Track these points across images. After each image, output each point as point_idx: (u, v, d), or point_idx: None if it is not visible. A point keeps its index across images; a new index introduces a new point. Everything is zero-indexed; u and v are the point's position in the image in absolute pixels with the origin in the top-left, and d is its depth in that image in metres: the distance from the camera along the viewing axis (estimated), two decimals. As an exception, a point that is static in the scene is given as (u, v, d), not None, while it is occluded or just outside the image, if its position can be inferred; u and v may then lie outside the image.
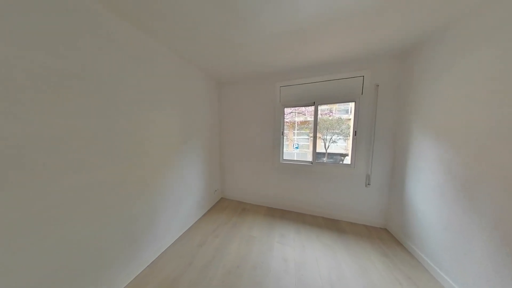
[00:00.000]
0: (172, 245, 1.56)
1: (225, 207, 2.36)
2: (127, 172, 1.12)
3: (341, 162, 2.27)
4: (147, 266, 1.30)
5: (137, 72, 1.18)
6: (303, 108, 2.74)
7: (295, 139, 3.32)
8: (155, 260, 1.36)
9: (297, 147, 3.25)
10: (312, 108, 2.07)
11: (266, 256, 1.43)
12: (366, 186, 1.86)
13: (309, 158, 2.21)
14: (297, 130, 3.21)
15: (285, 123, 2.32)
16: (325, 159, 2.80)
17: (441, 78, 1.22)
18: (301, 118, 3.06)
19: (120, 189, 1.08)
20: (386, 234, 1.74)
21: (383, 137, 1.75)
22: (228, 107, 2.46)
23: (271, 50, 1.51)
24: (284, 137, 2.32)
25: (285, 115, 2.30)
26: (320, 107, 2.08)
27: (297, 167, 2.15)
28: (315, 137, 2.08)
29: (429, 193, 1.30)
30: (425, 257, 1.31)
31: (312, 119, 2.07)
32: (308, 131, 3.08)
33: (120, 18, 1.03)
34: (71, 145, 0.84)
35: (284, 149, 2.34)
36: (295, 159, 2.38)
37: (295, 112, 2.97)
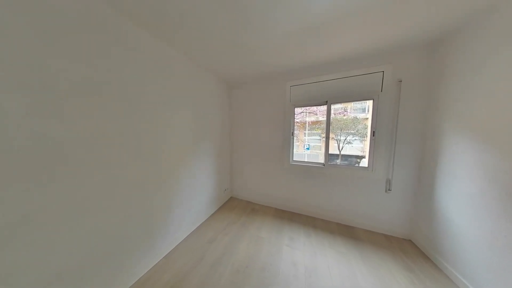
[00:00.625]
0: (185, 240, 1.62)
1: (234, 206, 2.37)
2: (147, 169, 1.20)
3: (356, 165, 2.10)
4: (163, 257, 1.37)
5: (156, 78, 1.27)
6: (314, 108, 2.61)
7: (306, 140, 3.18)
8: (170, 252, 1.43)
9: (308, 148, 3.11)
10: (324, 108, 1.96)
11: (274, 259, 1.39)
12: (386, 191, 1.68)
13: (321, 159, 2.09)
14: (308, 130, 3.07)
15: (295, 123, 2.24)
16: (338, 161, 2.61)
17: (484, 69, 1.03)
18: (313, 118, 2.92)
19: (141, 184, 1.17)
20: (410, 246, 1.55)
21: (407, 138, 1.56)
22: (238, 109, 2.47)
23: (282, 49, 1.46)
24: (294, 138, 2.25)
25: (295, 115, 2.22)
26: (333, 106, 1.96)
27: (308, 169, 2.06)
28: (327, 138, 1.96)
29: (466, 202, 1.11)
30: (458, 275, 1.12)
31: (325, 118, 1.96)
32: (320, 132, 2.91)
33: (143, 30, 1.13)
34: (102, 144, 0.93)
35: (294, 150, 2.26)
36: (305, 160, 2.28)
37: (306, 112, 2.85)
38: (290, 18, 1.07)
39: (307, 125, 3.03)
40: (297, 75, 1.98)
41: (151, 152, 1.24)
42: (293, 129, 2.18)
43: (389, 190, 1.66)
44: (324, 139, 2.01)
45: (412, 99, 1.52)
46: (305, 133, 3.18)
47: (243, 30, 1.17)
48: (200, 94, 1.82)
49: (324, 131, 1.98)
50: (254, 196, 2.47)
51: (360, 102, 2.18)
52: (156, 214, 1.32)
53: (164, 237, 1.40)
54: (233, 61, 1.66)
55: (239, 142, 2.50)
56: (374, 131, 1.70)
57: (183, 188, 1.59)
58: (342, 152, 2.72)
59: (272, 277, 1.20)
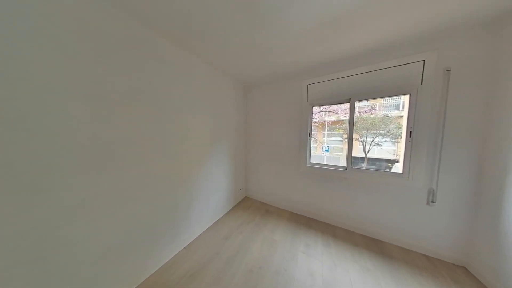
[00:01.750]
0: (202, 234, 1.70)
1: (249, 206, 2.37)
2: (171, 166, 1.31)
3: (387, 170, 1.81)
4: (184, 247, 1.47)
5: (180, 84, 1.38)
6: (335, 106, 2.38)
7: (325, 141, 2.93)
8: (190, 244, 1.52)
9: (327, 150, 2.85)
10: (346, 106, 1.76)
11: (289, 264, 1.31)
12: (428, 203, 1.38)
13: (343, 162, 1.88)
14: (328, 130, 2.82)
15: (312, 124, 2.09)
16: (364, 165, 2.31)
17: None
18: (333, 118, 2.67)
19: (167, 179, 1.28)
20: (463, 273, 1.22)
21: (459, 139, 1.24)
22: (254, 109, 2.47)
23: (299, 47, 1.39)
24: (312, 139, 2.10)
25: (313, 114, 2.07)
26: (357, 104, 1.74)
27: (326, 172, 1.88)
28: (350, 139, 1.75)
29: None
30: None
31: (347, 118, 1.76)
32: (341, 132, 2.64)
33: (169, 42, 1.24)
34: (137, 144, 1.06)
35: (312, 151, 2.11)
36: (324, 163, 2.10)
37: (325, 111, 2.63)
38: (308, 13, 0.99)
39: (326, 125, 2.79)
40: (315, 73, 1.85)
41: (175, 151, 1.35)
42: (311, 130, 2.04)
43: (432, 202, 1.36)
44: (346, 140, 1.80)
45: (466, 91, 1.20)
46: (323, 134, 2.93)
47: (260, 31, 1.15)
48: (217, 97, 1.90)
49: (347, 131, 1.78)
50: (268, 197, 2.42)
51: (392, 98, 1.88)
52: (179, 208, 1.42)
53: (185, 229, 1.50)
54: (249, 63, 1.67)
55: (254, 143, 2.49)
56: (411, 131, 1.42)
57: (201, 185, 1.68)
58: (369, 155, 2.38)
59: (287, 283, 1.13)
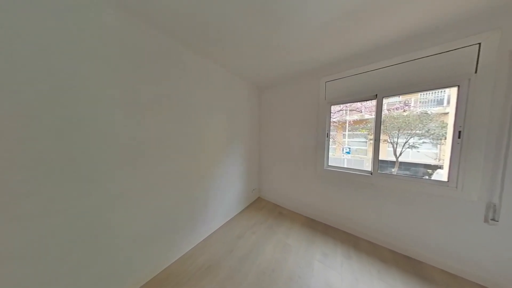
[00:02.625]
0: (217, 230, 1.76)
1: (262, 207, 2.34)
2: (191, 164, 1.40)
3: (426, 177, 1.52)
4: (201, 241, 1.55)
5: (199, 88, 1.46)
6: (358, 104, 2.14)
7: (346, 142, 2.65)
8: (206, 238, 1.59)
9: (348, 152, 2.57)
10: (372, 103, 1.56)
11: (304, 272, 1.23)
12: (487, 221, 1.09)
13: (368, 166, 1.67)
14: (349, 131, 2.55)
15: (331, 123, 1.93)
16: (394, 170, 2.00)
17: None
18: (355, 117, 2.40)
19: (187, 176, 1.37)
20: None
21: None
22: (268, 110, 2.44)
23: (316, 43, 1.30)
24: (330, 140, 1.94)
25: (331, 114, 1.92)
26: (386, 101, 1.52)
27: (348, 177, 1.70)
28: (377, 140, 1.54)
29: None
30: None
31: (372, 116, 1.56)
32: (366, 132, 2.36)
33: (190, 51, 1.33)
34: (162, 143, 1.17)
35: (330, 153, 1.95)
36: (345, 166, 1.91)
37: (346, 110, 2.39)
38: (326, 6, 0.92)
39: (347, 125, 2.52)
40: (334, 69, 1.71)
41: (193, 150, 1.43)
42: (329, 130, 1.88)
43: (493, 220, 1.07)
44: (371, 141, 1.60)
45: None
46: (344, 135, 2.66)
47: (275, 31, 1.12)
48: (232, 99, 1.94)
49: (372, 131, 1.58)
50: (282, 200, 2.35)
51: (433, 91, 1.59)
52: (197, 203, 1.50)
53: (202, 224, 1.58)
54: (264, 64, 1.65)
55: (268, 143, 2.45)
56: (460, 131, 1.16)
57: (217, 183, 1.73)
58: (401, 159, 2.05)
59: (300, 292, 1.07)
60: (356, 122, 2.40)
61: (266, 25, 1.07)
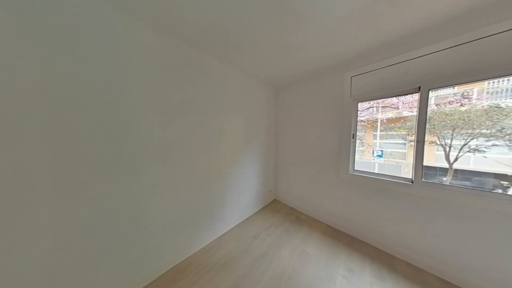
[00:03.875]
0: (233, 228, 1.80)
1: (278, 210, 2.27)
2: (210, 163, 1.48)
3: (499, 191, 1.15)
4: (218, 237, 1.62)
5: (218, 92, 1.54)
6: (394, 99, 1.82)
7: (377, 144, 2.28)
8: (223, 235, 1.64)
9: (380, 155, 2.20)
10: (413, 97, 1.29)
11: (325, 286, 1.12)
12: None
13: (407, 173, 1.39)
14: (381, 131, 2.19)
15: (358, 123, 1.71)
16: (447, 179, 1.60)
17: None
18: (390, 114, 2.04)
19: (207, 175, 1.46)
20: None
21: None
22: (285, 110, 2.35)
23: (339, 36, 1.17)
24: (357, 141, 1.71)
25: (358, 112, 1.69)
26: (433, 94, 1.24)
27: (379, 184, 1.46)
28: (421, 142, 1.26)
29: None
30: None
31: (414, 113, 1.29)
32: (405, 132, 1.97)
33: (210, 57, 1.41)
34: (186, 144, 1.27)
35: (356, 156, 1.72)
36: (375, 171, 1.65)
37: (377, 107, 2.07)
38: None
39: (379, 124, 2.17)
40: (361, 62, 1.50)
41: (213, 150, 1.51)
42: (355, 130, 1.67)
43: None
44: (412, 143, 1.32)
45: None
46: (374, 135, 2.29)
47: (294, 29, 1.06)
48: (249, 101, 1.95)
49: (413, 131, 1.30)
50: (299, 204, 2.21)
51: (508, 78, 1.19)
52: (215, 200, 1.57)
53: (220, 220, 1.64)
54: (282, 64, 1.60)
55: (285, 144, 2.37)
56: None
57: (234, 183, 1.77)
58: (458, 166, 1.61)
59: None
60: (390, 120, 2.03)
61: (284, 23, 1.03)
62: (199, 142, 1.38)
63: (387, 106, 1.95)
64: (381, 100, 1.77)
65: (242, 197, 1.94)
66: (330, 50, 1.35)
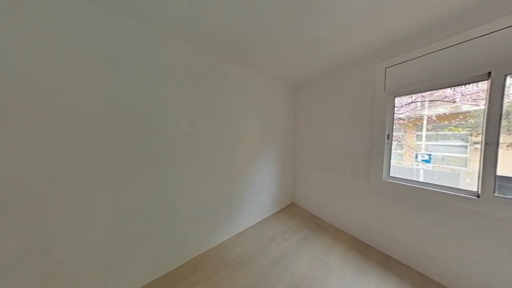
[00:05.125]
0: (249, 228, 1.79)
1: (296, 214, 2.15)
2: (228, 163, 1.54)
3: None
4: (235, 234, 1.66)
5: (237, 95, 1.59)
6: (448, 91, 1.45)
7: (422, 146, 1.84)
8: (240, 233, 1.67)
9: (427, 161, 1.76)
10: (478, 87, 1.00)
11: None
12: None
13: (471, 185, 1.08)
14: (429, 130, 1.76)
15: (395, 121, 1.44)
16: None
17: None
18: (442, 109, 1.62)
19: (225, 173, 1.52)
20: None
21: None
22: (304, 110, 2.22)
23: (369, 24, 1.02)
24: (394, 142, 1.45)
25: (395, 108, 1.44)
26: (514, 79, 0.92)
27: (426, 195, 1.18)
28: (493, 144, 0.96)
29: None
30: None
31: (481, 107, 0.99)
32: (466, 132, 1.52)
33: (230, 63, 1.48)
34: (208, 144, 1.37)
35: (393, 160, 1.45)
36: (420, 179, 1.35)
37: (422, 101, 1.69)
38: None
39: (425, 122, 1.75)
40: (399, 49, 1.26)
41: (231, 151, 1.56)
42: (391, 130, 1.42)
43: None
44: (478, 145, 1.02)
45: None
46: (418, 136, 1.86)
47: (314, 26, 1.00)
48: (267, 102, 1.92)
49: (480, 130, 1.00)
50: (320, 211, 2.03)
51: None
52: (233, 199, 1.62)
53: (237, 219, 1.68)
54: (301, 62, 1.52)
55: (304, 146, 2.23)
56: None
57: (251, 183, 1.78)
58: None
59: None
60: (443, 117, 1.61)
61: (304, 19, 0.97)
62: (218, 143, 1.45)
63: (437, 100, 1.56)
64: (428, 92, 1.44)
65: (258, 197, 1.93)
66: (358, 40, 1.20)
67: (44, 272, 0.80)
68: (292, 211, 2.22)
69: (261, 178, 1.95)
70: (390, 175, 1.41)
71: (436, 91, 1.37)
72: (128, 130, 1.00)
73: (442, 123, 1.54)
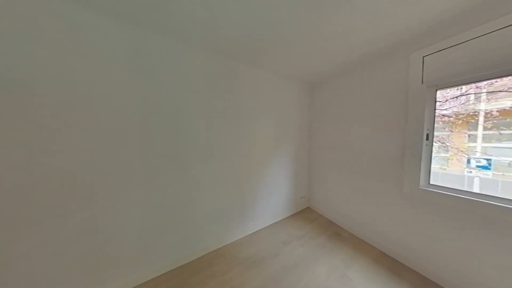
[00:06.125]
0: (262, 229, 1.77)
1: (313, 219, 2.01)
2: (242, 163, 1.58)
3: None
4: (248, 234, 1.68)
5: (250, 96, 1.62)
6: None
7: (477, 149, 1.44)
8: (253, 233, 1.68)
9: (485, 167, 1.37)
10: None
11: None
12: None
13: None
14: (486, 130, 1.38)
15: (437, 118, 1.21)
16: None
17: None
18: (508, 103, 1.26)
19: (239, 174, 1.57)
20: None
21: None
22: (321, 108, 2.07)
23: (400, 9, 0.90)
24: (436, 144, 1.21)
25: (438, 103, 1.20)
26: None
27: (486, 211, 0.93)
28: None
29: None
30: None
31: None
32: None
33: (244, 65, 1.52)
34: (223, 145, 1.43)
35: (435, 165, 1.21)
36: (475, 190, 1.08)
37: (476, 93, 1.35)
38: None
39: (481, 118, 1.39)
40: (441, 33, 1.06)
41: (245, 152, 1.59)
42: (431, 129, 1.19)
43: None
44: None
45: None
46: (471, 136, 1.47)
47: (332, 16, 0.93)
48: (281, 102, 1.86)
49: None
50: (339, 218, 1.85)
51: None
52: (246, 199, 1.65)
53: (250, 219, 1.69)
54: (318, 58, 1.43)
55: (321, 147, 2.08)
56: None
57: (264, 184, 1.78)
58: None
59: None
60: (509, 112, 1.26)
61: (320, 14, 0.92)
62: (232, 143, 1.49)
63: (499, 91, 1.23)
64: (485, 82, 1.15)
65: (272, 199, 1.90)
66: (387, 29, 1.06)
67: (95, 249, 0.98)
68: (308, 215, 2.09)
69: (275, 179, 1.92)
70: (431, 182, 1.18)
71: (498, 79, 1.08)
72: (155, 133, 1.14)
73: (507, 119, 1.19)
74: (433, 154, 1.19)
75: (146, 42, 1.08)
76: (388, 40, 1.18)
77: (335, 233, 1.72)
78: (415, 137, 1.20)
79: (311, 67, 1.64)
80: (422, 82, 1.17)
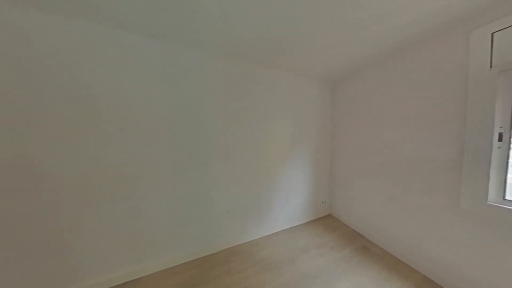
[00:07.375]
0: (279, 233, 1.71)
1: (335, 228, 1.81)
2: (258, 164, 1.58)
3: None
4: (264, 236, 1.65)
5: (267, 97, 1.60)
6: None
7: None
8: (268, 236, 1.65)
9: None
10: None
11: None
12: None
13: None
14: None
15: (519, 113, 0.90)
16: None
17: None
18: None
19: (255, 175, 1.57)
20: None
21: None
22: (346, 106, 1.85)
23: None
24: (515, 147, 0.90)
25: (519, 92, 0.89)
26: None
27: None
28: None
29: None
30: None
31: None
32: None
33: (262, 67, 1.54)
34: (240, 146, 1.47)
35: (510, 174, 0.91)
36: None
37: None
38: None
39: None
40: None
41: (262, 153, 1.58)
42: (506, 127, 0.90)
43: None
44: None
45: None
46: None
47: (351, 4, 0.84)
48: (299, 102, 1.77)
49: None
50: (368, 230, 1.60)
51: None
52: (263, 200, 1.63)
53: (267, 220, 1.67)
54: (341, 52, 1.29)
55: (346, 149, 1.86)
56: None
57: (281, 186, 1.72)
58: None
59: None
60: None
61: (343, 4, 0.84)
62: (249, 144, 1.51)
63: None
64: None
65: (289, 202, 1.82)
66: (436, 3, 0.87)
67: (133, 233, 1.15)
68: (329, 223, 1.91)
69: (292, 181, 1.84)
70: (506, 198, 0.89)
71: None
72: (182, 134, 1.26)
73: None
74: (510, 160, 0.90)
75: (176, 54, 1.21)
76: (437, 18, 0.96)
77: (363, 246, 1.50)
78: (481, 138, 0.93)
79: (333, 63, 1.50)
80: (491, 67, 0.90)
